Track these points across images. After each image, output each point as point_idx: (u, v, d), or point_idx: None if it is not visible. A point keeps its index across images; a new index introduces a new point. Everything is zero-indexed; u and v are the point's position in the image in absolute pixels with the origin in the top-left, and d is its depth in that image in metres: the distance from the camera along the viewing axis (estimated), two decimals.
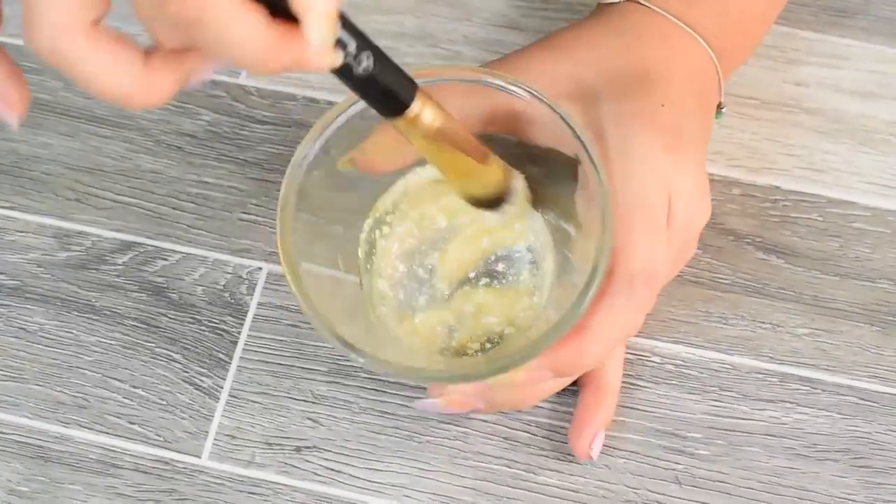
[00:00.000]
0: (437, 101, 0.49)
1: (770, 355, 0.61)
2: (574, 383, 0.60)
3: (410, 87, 0.48)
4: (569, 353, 0.53)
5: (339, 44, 0.43)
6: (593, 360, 0.54)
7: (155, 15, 0.41)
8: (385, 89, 0.47)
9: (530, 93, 0.55)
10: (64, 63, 0.42)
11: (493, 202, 0.55)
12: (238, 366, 0.61)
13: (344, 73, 0.44)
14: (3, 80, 0.46)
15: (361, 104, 0.55)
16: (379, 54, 0.45)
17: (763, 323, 0.62)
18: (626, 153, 0.55)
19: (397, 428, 0.60)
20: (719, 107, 0.62)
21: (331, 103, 0.67)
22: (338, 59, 0.43)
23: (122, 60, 0.42)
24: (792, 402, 0.60)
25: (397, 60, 0.46)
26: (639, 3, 0.60)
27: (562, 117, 0.54)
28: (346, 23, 0.43)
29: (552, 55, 0.59)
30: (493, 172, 0.54)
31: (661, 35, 0.59)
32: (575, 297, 0.52)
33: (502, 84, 0.55)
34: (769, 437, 0.59)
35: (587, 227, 0.55)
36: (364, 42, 0.44)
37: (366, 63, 0.45)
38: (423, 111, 0.48)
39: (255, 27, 0.40)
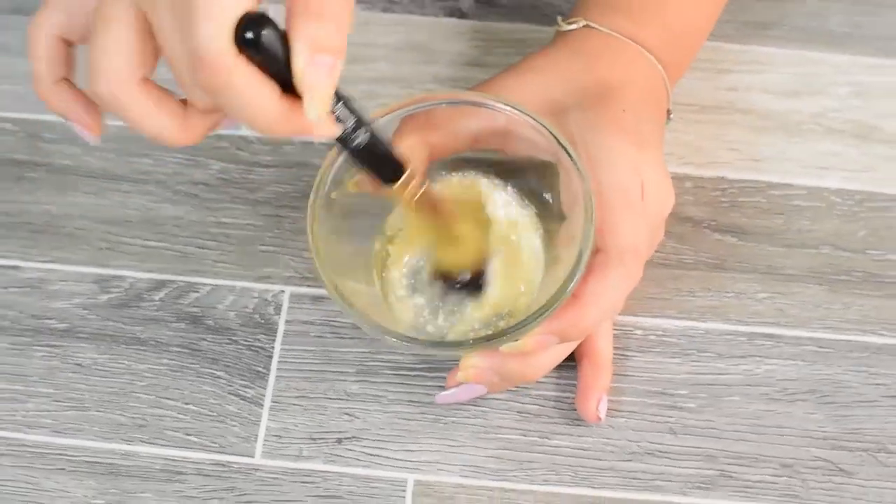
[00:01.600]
0: (425, 178, 0.61)
1: (736, 319, 0.71)
2: (571, 359, 0.69)
3: (399, 164, 0.59)
4: (571, 318, 0.62)
5: (339, 120, 0.54)
6: (592, 323, 0.63)
7: (190, 82, 0.52)
8: (377, 162, 0.58)
9: (512, 108, 0.65)
10: (119, 107, 0.54)
11: (467, 280, 0.66)
12: (276, 375, 0.70)
13: (343, 142, 0.56)
14: (82, 111, 0.58)
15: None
16: (373, 134, 0.56)
17: (727, 293, 0.72)
18: (600, 150, 0.65)
19: (424, 413, 0.69)
20: (668, 113, 0.72)
21: (325, 145, 0.76)
22: (336, 131, 0.54)
23: (165, 107, 0.54)
24: (761, 356, 0.70)
25: (376, 103, 0.58)
26: (593, 27, 0.70)
27: (542, 125, 0.64)
28: (347, 103, 0.55)
29: (523, 78, 0.69)
30: (467, 247, 0.65)
31: (616, 53, 0.69)
32: (568, 271, 0.61)
33: (488, 103, 0.65)
34: (746, 387, 0.69)
35: (572, 217, 0.64)
36: (361, 122, 0.55)
37: (361, 138, 0.56)
38: (410, 184, 0.60)
39: (269, 99, 0.51)
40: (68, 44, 0.58)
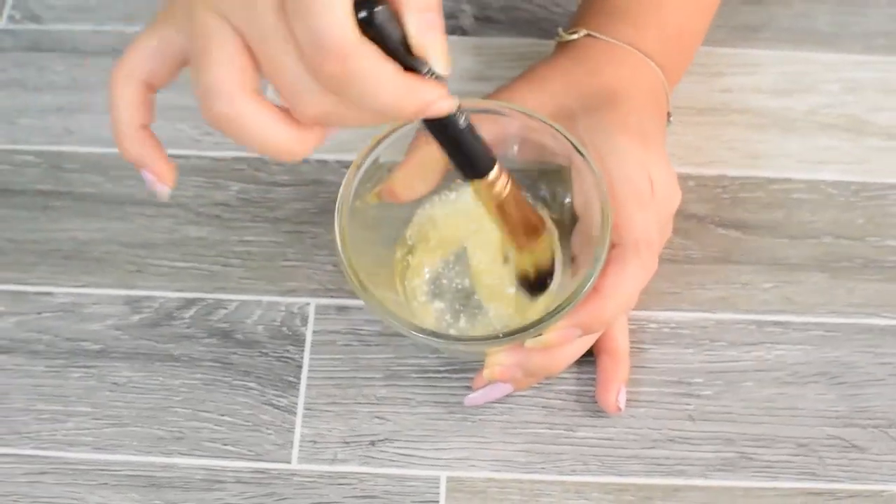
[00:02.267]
0: (510, 175, 0.62)
1: (745, 308, 0.74)
2: (590, 354, 0.71)
3: (492, 154, 0.61)
4: (593, 310, 0.65)
5: None
6: (613, 314, 0.66)
7: (303, 86, 0.51)
8: (475, 149, 0.59)
9: (526, 113, 0.68)
10: (239, 124, 0.53)
11: (539, 281, 0.68)
12: (307, 384, 0.72)
13: (446, 127, 0.56)
14: (161, 161, 0.58)
15: (374, 157, 0.67)
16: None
17: (734, 284, 0.75)
18: (610, 150, 0.67)
19: (452, 413, 0.71)
20: (668, 116, 0.75)
21: (339, 162, 0.79)
22: (455, 103, 0.54)
23: (280, 119, 0.54)
24: (771, 343, 0.73)
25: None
26: (593, 36, 0.73)
27: (556, 129, 0.67)
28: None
29: (531, 87, 0.71)
30: (544, 248, 0.67)
31: (618, 60, 0.72)
32: (588, 267, 0.64)
33: (503, 110, 0.68)
34: (759, 373, 0.72)
35: (586, 216, 0.67)
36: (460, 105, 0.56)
37: (464, 119, 0.57)
38: (499, 178, 0.62)
39: (394, 77, 0.51)
40: (151, 89, 0.58)
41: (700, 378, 0.72)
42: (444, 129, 0.57)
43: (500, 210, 0.64)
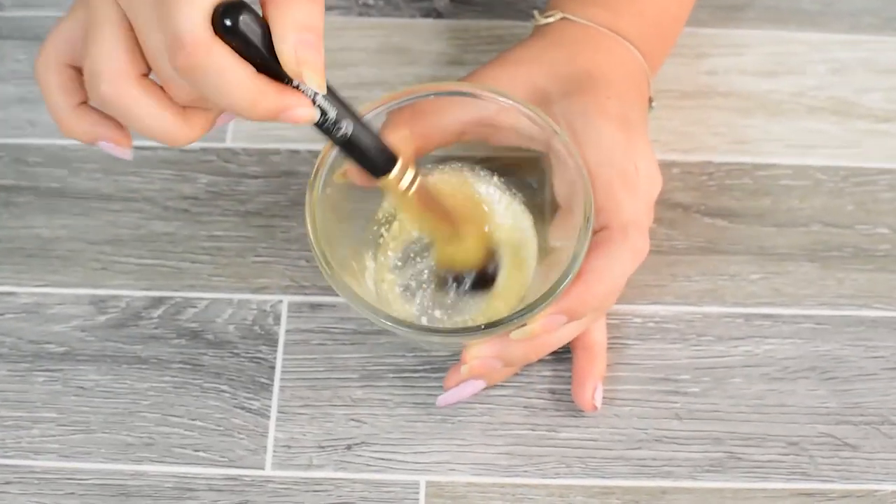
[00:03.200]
0: (419, 171, 0.61)
1: (733, 301, 0.72)
2: (566, 350, 0.69)
3: (391, 155, 0.60)
4: (579, 295, 0.62)
5: (321, 109, 0.55)
6: (600, 299, 0.63)
7: (169, 72, 0.53)
8: (366, 153, 0.59)
9: (502, 96, 0.65)
10: (122, 105, 0.55)
11: (474, 277, 0.66)
12: (280, 386, 0.69)
13: (330, 132, 0.56)
14: (110, 128, 0.58)
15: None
16: (361, 125, 0.57)
17: (721, 275, 0.72)
18: (591, 135, 0.65)
19: (431, 414, 0.69)
20: (650, 101, 0.72)
21: (311, 152, 0.76)
22: (315, 113, 0.54)
23: (165, 104, 0.55)
24: (759, 336, 0.71)
25: (359, 106, 0.58)
26: (570, 19, 0.70)
27: (533, 112, 0.64)
28: (330, 92, 0.55)
29: (507, 70, 0.69)
30: (468, 245, 0.65)
31: (595, 43, 0.69)
32: (571, 253, 0.61)
33: (477, 92, 0.65)
34: (747, 368, 0.70)
35: (568, 203, 0.65)
36: (345, 111, 0.56)
37: (344, 129, 0.56)
38: (402, 177, 0.60)
39: (247, 78, 0.52)
40: (77, 70, 0.58)
41: (687, 375, 0.70)
42: (329, 135, 0.57)
43: (410, 206, 0.63)
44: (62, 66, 0.58)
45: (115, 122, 0.58)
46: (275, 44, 0.52)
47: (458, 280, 0.66)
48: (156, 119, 0.55)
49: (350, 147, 0.58)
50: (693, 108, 0.77)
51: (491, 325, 0.61)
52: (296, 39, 0.52)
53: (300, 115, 0.54)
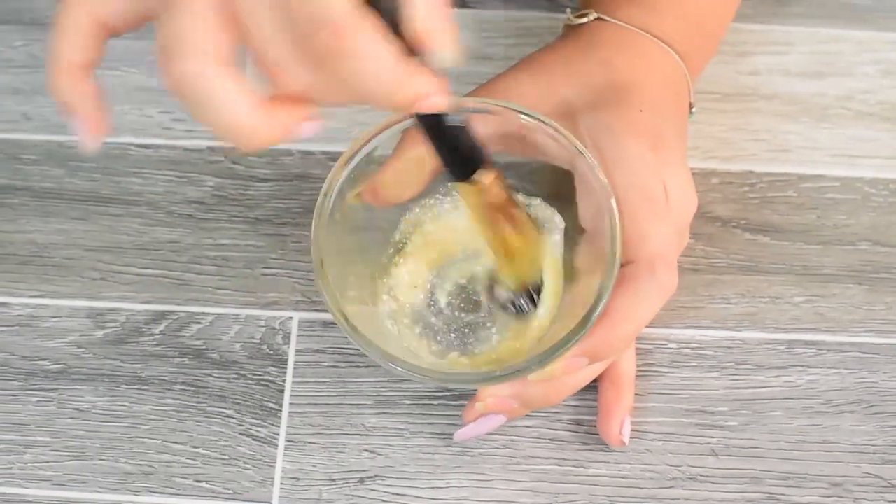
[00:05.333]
0: (503, 177, 0.56)
1: (774, 326, 0.66)
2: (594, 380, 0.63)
3: (486, 156, 0.54)
4: (603, 336, 0.58)
5: None
6: (625, 341, 0.59)
7: (285, 55, 0.46)
8: (467, 147, 0.53)
9: (522, 113, 0.60)
10: (202, 88, 0.47)
11: (522, 296, 0.61)
12: (289, 412, 0.64)
13: (439, 123, 0.50)
14: (95, 108, 0.51)
15: (359, 156, 0.60)
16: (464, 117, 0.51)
17: (762, 297, 0.67)
18: (617, 155, 0.60)
19: (449, 446, 0.64)
20: (690, 107, 0.66)
21: (326, 153, 0.71)
22: (449, 101, 0.48)
23: (248, 96, 0.47)
24: (802, 366, 0.65)
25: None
26: (605, 20, 0.64)
27: (557, 130, 0.59)
28: None
29: (531, 78, 0.63)
30: (533, 259, 0.60)
31: (630, 47, 0.64)
32: (597, 288, 0.56)
33: (495, 109, 0.60)
34: (788, 401, 0.64)
35: (593, 228, 0.59)
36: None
37: (460, 117, 0.51)
38: (491, 180, 0.55)
39: (389, 60, 0.46)
40: (106, 29, 0.51)
41: (724, 406, 0.64)
42: (436, 125, 0.51)
43: (488, 218, 0.58)
44: (95, 15, 0.50)
45: (102, 107, 0.51)
46: (410, 8, 0.46)
47: (507, 302, 0.62)
48: (235, 109, 0.47)
49: (450, 141, 0.52)
50: (734, 112, 0.72)
51: (506, 374, 0.57)
52: (427, 4, 0.46)
53: (437, 104, 0.48)
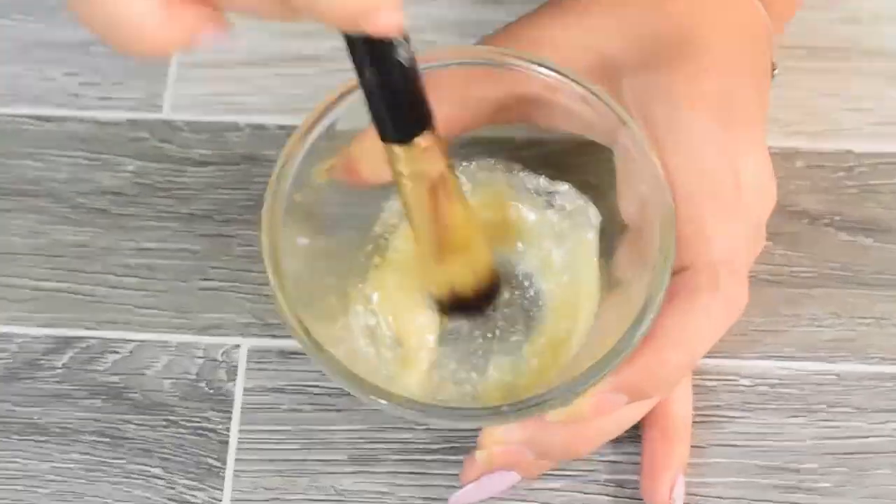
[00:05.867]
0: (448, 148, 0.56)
1: (879, 356, 0.68)
2: (636, 427, 0.65)
3: (430, 113, 0.54)
4: (646, 366, 0.58)
5: None
6: (677, 373, 0.59)
7: None
8: (415, 96, 0.53)
9: (549, 69, 0.61)
10: None
11: (465, 301, 0.62)
12: (235, 470, 0.66)
13: (385, 53, 0.50)
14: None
15: (327, 119, 0.61)
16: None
17: (863, 318, 0.69)
18: (676, 129, 0.61)
19: None
20: (773, 67, 0.67)
21: (282, 128, 0.72)
22: (400, 19, 0.47)
23: None
24: None
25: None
26: None
27: (593, 92, 0.60)
28: None
29: (564, 22, 0.64)
30: (476, 257, 0.61)
31: None
32: (641, 302, 0.57)
33: (513, 62, 0.61)
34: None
35: (637, 223, 0.61)
36: (406, 36, 0.50)
37: (408, 53, 0.50)
38: (432, 146, 0.55)
39: None
40: None
41: (813, 462, 0.66)
42: (379, 56, 0.50)
43: (421, 194, 0.57)
44: None
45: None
46: None
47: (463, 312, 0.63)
48: (130, 8, 0.48)
49: (390, 83, 0.51)
50: (826, 72, 0.74)
51: (515, 409, 0.57)
52: None
53: (388, 22, 0.47)
